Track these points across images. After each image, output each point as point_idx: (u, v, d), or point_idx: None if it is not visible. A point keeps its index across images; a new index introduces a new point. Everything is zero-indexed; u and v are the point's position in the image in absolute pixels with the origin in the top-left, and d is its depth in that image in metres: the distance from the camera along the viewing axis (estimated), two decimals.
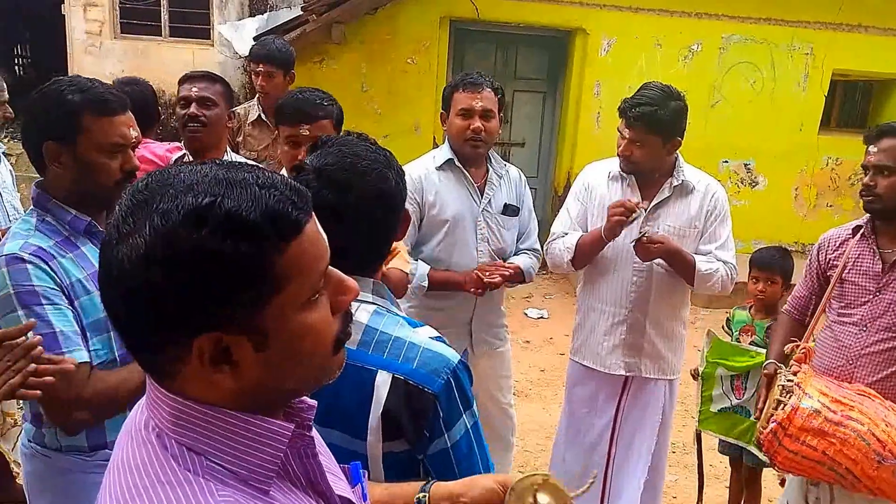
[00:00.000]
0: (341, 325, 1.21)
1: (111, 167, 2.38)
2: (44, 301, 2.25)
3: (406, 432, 1.89)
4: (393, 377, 1.86)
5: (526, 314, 8.20)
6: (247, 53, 9.24)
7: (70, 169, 2.36)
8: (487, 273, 3.79)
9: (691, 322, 4.26)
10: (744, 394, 4.14)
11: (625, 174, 3.84)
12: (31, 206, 2.45)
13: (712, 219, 3.83)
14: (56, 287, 2.29)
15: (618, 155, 3.77)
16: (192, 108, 3.79)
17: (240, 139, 5.15)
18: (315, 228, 1.14)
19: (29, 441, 2.57)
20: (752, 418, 3.92)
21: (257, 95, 5.29)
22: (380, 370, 1.87)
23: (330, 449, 1.62)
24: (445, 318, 3.86)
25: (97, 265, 2.12)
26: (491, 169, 3.97)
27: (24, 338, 1.95)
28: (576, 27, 9.28)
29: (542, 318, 8.18)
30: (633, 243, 3.66)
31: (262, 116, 5.16)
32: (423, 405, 1.86)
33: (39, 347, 1.89)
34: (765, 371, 3.53)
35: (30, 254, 2.28)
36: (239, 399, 1.12)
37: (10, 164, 4.19)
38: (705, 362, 4.20)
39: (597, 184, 3.92)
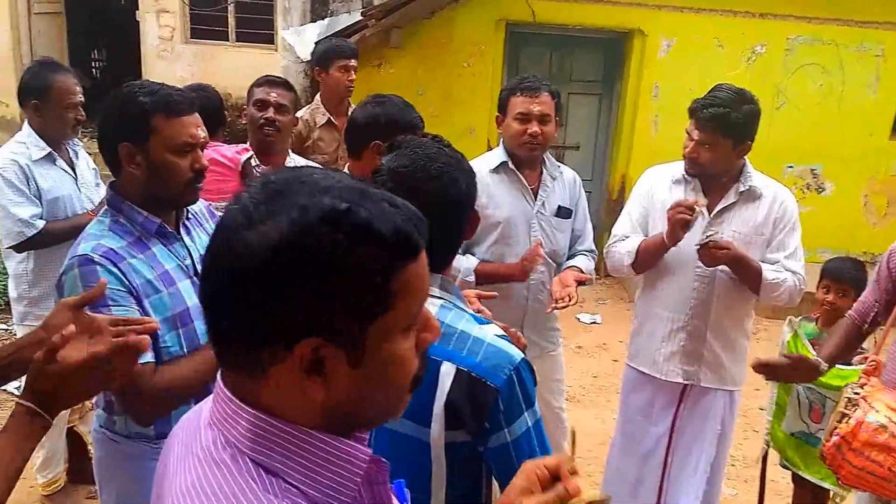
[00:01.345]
0: (420, 364, 1.18)
1: (181, 167, 2.42)
2: (110, 303, 2.27)
3: (467, 423, 1.91)
4: (457, 369, 1.89)
5: (578, 319, 7.94)
6: (308, 57, 9.21)
7: (143, 170, 2.40)
8: (561, 300, 3.64)
9: (753, 333, 4.00)
10: (822, 419, 3.78)
11: (688, 178, 3.66)
12: (106, 206, 2.50)
13: (780, 227, 3.62)
14: (124, 289, 2.32)
15: (684, 156, 3.58)
16: (270, 113, 3.88)
17: (308, 143, 5.19)
18: (425, 259, 1.13)
19: (100, 427, 2.65)
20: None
21: (318, 98, 5.37)
22: (444, 361, 1.90)
23: (398, 438, 1.81)
24: (496, 318, 3.60)
25: (167, 265, 2.39)
26: (545, 171, 3.87)
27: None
28: (633, 28, 8.96)
29: (594, 323, 7.92)
30: (697, 248, 3.44)
31: (332, 120, 5.24)
32: (484, 398, 1.88)
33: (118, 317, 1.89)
34: (809, 359, 3.35)
35: (100, 255, 2.32)
36: (318, 417, 1.09)
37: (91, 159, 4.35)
38: (786, 350, 3.84)
39: (659, 187, 3.74)
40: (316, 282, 1.01)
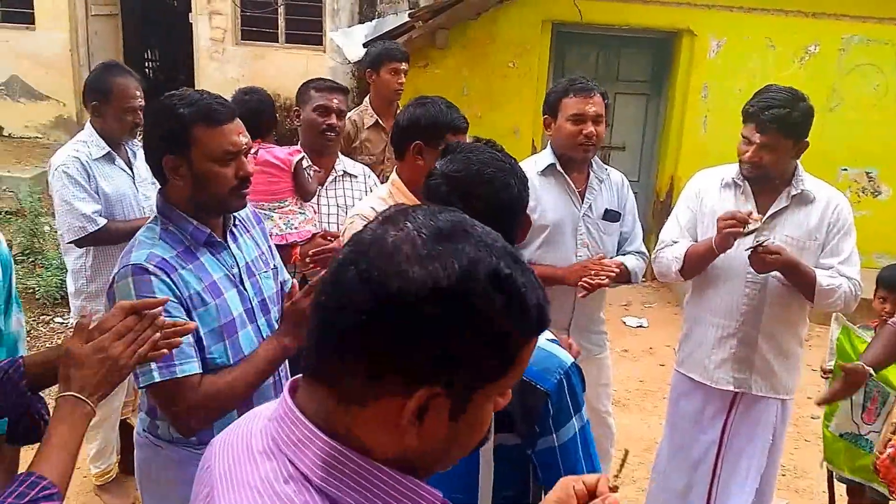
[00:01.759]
0: (487, 431, 1.16)
1: (225, 175, 2.40)
2: (164, 313, 2.19)
3: (517, 426, 1.91)
4: None
5: (624, 322, 7.79)
6: (355, 59, 9.19)
7: (188, 180, 2.39)
8: (593, 272, 3.56)
9: (806, 340, 3.85)
10: (875, 420, 3.63)
11: (738, 182, 3.57)
12: (156, 213, 2.49)
13: (834, 231, 3.51)
14: (176, 300, 2.31)
15: (742, 161, 3.49)
16: (333, 119, 3.94)
17: (356, 144, 5.23)
18: None
19: (143, 431, 2.65)
20: (874, 452, 3.42)
21: (368, 100, 5.40)
22: None
23: None
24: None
25: (215, 275, 2.43)
26: (592, 173, 3.81)
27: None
28: (682, 28, 8.75)
29: (641, 326, 7.76)
30: (749, 253, 3.34)
31: (379, 121, 5.27)
32: (534, 401, 1.89)
33: (161, 318, 1.93)
34: (847, 365, 3.27)
35: (154, 265, 2.31)
36: (400, 458, 1.07)
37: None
38: (835, 354, 3.74)
39: (708, 191, 3.66)
40: (464, 334, 1.00)
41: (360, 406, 1.05)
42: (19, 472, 1.71)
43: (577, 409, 1.95)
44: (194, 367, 2.32)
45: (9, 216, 8.64)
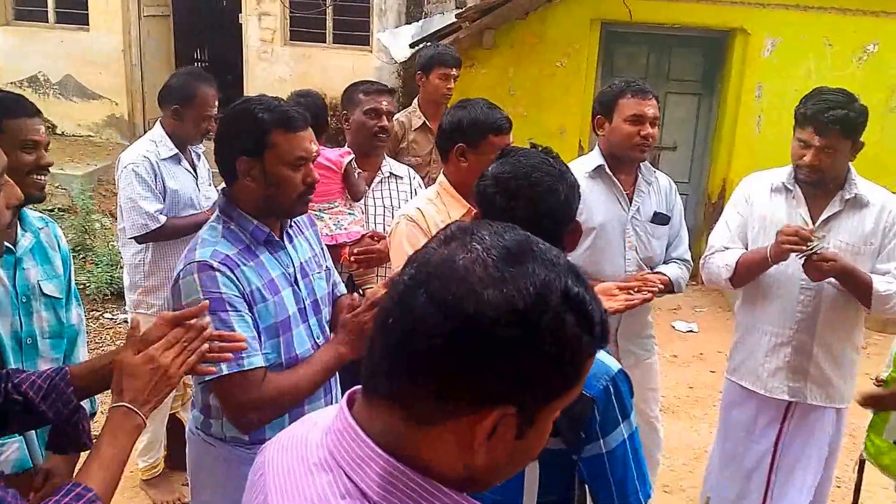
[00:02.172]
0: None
1: (295, 180, 2.48)
2: (229, 308, 2.37)
3: (563, 432, 1.91)
4: None
5: (674, 327, 7.68)
6: (402, 59, 9.20)
7: (259, 182, 2.47)
8: (635, 289, 3.47)
9: (862, 347, 3.78)
10: None
11: (789, 186, 3.52)
12: (217, 213, 2.58)
13: (891, 236, 3.44)
14: (239, 294, 2.40)
15: (800, 165, 3.42)
16: (384, 121, 3.98)
17: (403, 145, 5.28)
18: None
19: (196, 428, 2.71)
20: None
21: (416, 102, 5.45)
22: None
23: None
24: None
25: (273, 273, 2.52)
26: (640, 176, 3.77)
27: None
28: (735, 27, 8.62)
29: (691, 331, 7.65)
30: (803, 260, 3.28)
31: (427, 123, 5.30)
32: (581, 407, 1.88)
33: (210, 329, 1.96)
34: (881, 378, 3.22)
35: (219, 262, 2.39)
36: (457, 475, 1.08)
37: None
38: (891, 365, 3.63)
39: (758, 196, 3.61)
40: (538, 354, 1.01)
41: (430, 426, 1.05)
42: (66, 481, 1.73)
43: (625, 415, 1.95)
44: (260, 360, 2.39)
45: (61, 213, 8.82)
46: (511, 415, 1.03)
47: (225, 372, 2.31)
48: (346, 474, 1.08)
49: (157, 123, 4.39)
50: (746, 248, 3.60)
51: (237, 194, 2.53)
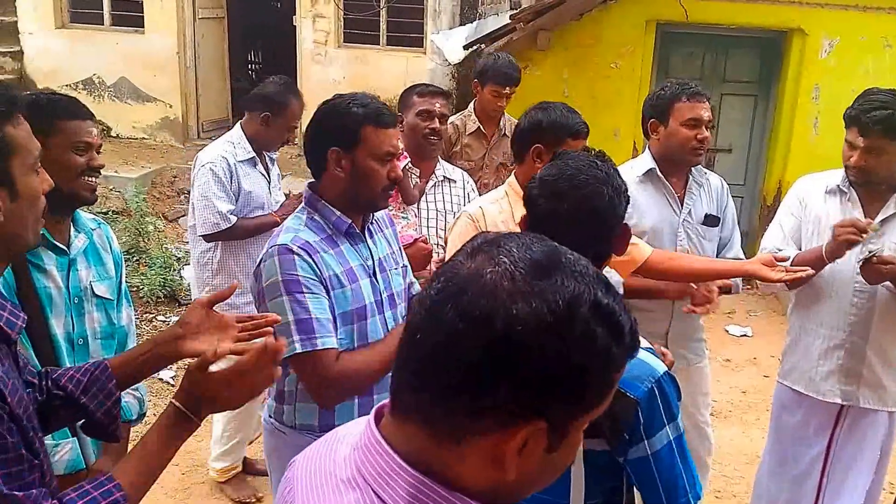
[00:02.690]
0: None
1: (381, 174, 2.62)
2: (304, 290, 2.50)
3: (605, 433, 1.92)
4: None
5: (727, 331, 7.65)
6: (456, 61, 9.23)
7: (347, 174, 2.62)
8: (703, 297, 3.52)
9: None
10: None
11: (843, 189, 3.51)
12: (303, 204, 2.72)
13: None
14: (317, 278, 2.53)
15: (848, 166, 3.43)
16: (436, 123, 4.07)
17: (456, 149, 5.32)
18: None
19: (270, 416, 2.85)
20: None
21: (472, 106, 5.46)
22: None
23: None
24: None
25: (352, 263, 2.65)
26: (691, 178, 3.79)
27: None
28: (793, 27, 8.57)
29: (744, 335, 7.60)
30: (860, 263, 3.30)
31: (481, 129, 5.34)
32: (624, 409, 1.89)
33: (270, 334, 1.98)
34: None
35: (298, 246, 2.53)
36: (491, 491, 1.08)
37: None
38: None
39: (812, 198, 3.61)
40: (569, 367, 1.01)
41: (458, 443, 1.05)
42: (102, 473, 1.78)
43: (670, 417, 1.95)
44: (333, 341, 2.51)
45: (115, 215, 8.93)
46: (542, 429, 1.03)
47: (298, 350, 2.45)
48: (373, 491, 1.08)
49: (238, 125, 4.55)
50: (800, 250, 3.60)
51: (323, 186, 2.69)
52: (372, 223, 2.83)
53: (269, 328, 2.10)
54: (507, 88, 5.27)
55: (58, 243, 2.67)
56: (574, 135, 3.29)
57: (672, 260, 3.41)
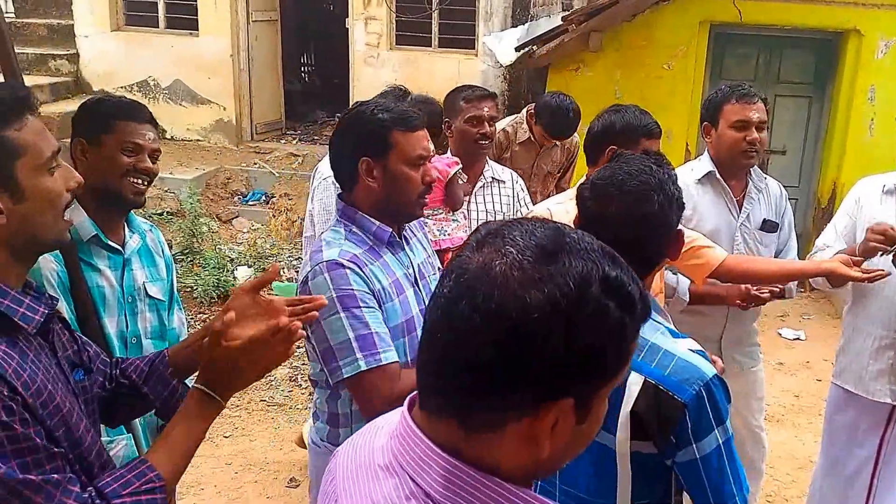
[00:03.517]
0: None
1: (415, 178, 2.56)
2: (361, 304, 2.42)
3: (653, 435, 1.94)
4: (644, 380, 1.93)
5: (780, 334, 7.62)
6: (507, 63, 9.26)
7: (381, 182, 2.55)
8: (756, 287, 3.53)
9: None
10: None
11: None
12: (337, 217, 2.66)
13: None
14: (369, 291, 2.47)
15: None
16: (485, 127, 4.09)
17: (506, 155, 5.38)
18: None
19: (322, 440, 2.74)
20: None
21: (524, 114, 5.52)
22: (633, 371, 1.93)
23: None
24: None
25: (397, 273, 2.59)
26: (750, 182, 3.78)
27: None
28: (849, 28, 8.51)
29: (798, 339, 7.57)
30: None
31: (532, 138, 5.42)
32: (671, 412, 1.90)
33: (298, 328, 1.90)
34: None
35: (347, 260, 2.46)
36: (525, 470, 1.12)
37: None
38: None
39: (868, 198, 3.59)
40: (588, 344, 1.04)
41: (491, 432, 1.08)
42: (136, 458, 1.82)
43: (719, 421, 1.94)
44: (394, 354, 2.44)
45: (170, 216, 9.08)
46: (569, 406, 1.06)
47: (363, 368, 2.38)
48: (409, 477, 1.11)
49: None
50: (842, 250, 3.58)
51: (358, 197, 2.60)
52: (406, 229, 2.77)
53: (315, 312, 2.04)
54: (560, 140, 5.42)
55: (112, 243, 2.75)
56: (648, 134, 3.33)
57: (749, 262, 3.45)
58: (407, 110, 2.60)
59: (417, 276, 2.71)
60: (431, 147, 2.65)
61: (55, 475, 1.61)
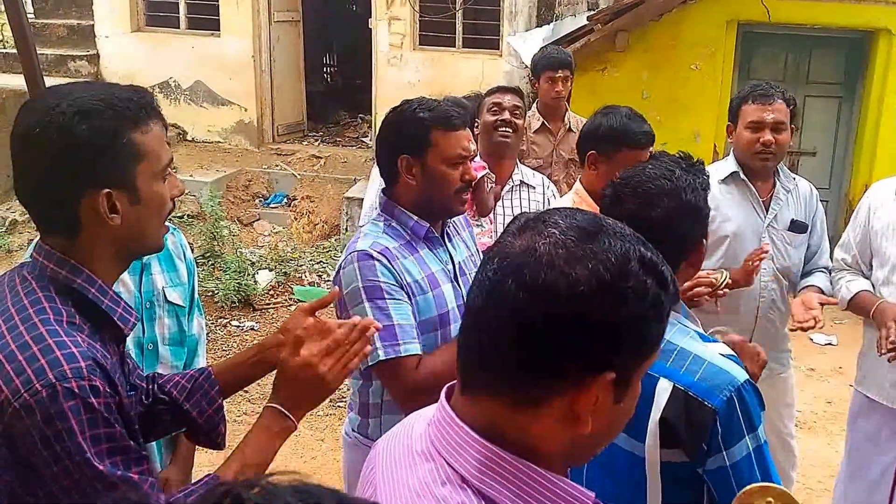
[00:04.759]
0: None
1: (454, 177, 2.63)
2: (386, 296, 2.51)
3: (683, 443, 1.92)
4: (674, 387, 1.91)
5: (811, 339, 7.50)
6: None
7: (420, 179, 2.63)
8: (806, 323, 3.51)
9: None
10: None
11: None
12: (379, 211, 2.74)
13: None
14: (397, 284, 2.54)
15: None
16: (506, 115, 4.11)
17: (523, 148, 5.31)
18: None
19: (353, 431, 2.84)
20: None
21: (535, 105, 5.57)
22: (661, 377, 1.92)
23: (615, 451, 1.80)
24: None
25: (433, 268, 2.66)
26: (778, 183, 3.75)
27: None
28: (879, 27, 8.46)
29: (829, 344, 7.50)
30: None
31: (546, 124, 5.41)
32: (701, 418, 1.89)
33: (372, 328, 1.97)
34: None
35: (378, 252, 2.55)
36: (565, 452, 1.16)
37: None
38: None
39: (880, 204, 3.57)
40: (629, 318, 1.11)
41: (535, 408, 1.13)
42: (206, 474, 1.85)
43: (751, 428, 1.93)
44: (416, 347, 2.51)
45: (191, 219, 9.11)
46: (610, 381, 1.11)
47: (382, 357, 2.46)
48: (446, 462, 1.15)
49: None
50: (871, 257, 3.58)
51: (398, 193, 2.70)
52: (449, 226, 2.85)
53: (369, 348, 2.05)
54: (560, 72, 5.35)
55: None
56: (631, 144, 3.28)
57: None
58: (448, 109, 2.66)
59: (457, 272, 2.78)
60: (473, 146, 2.70)
61: (151, 477, 1.67)
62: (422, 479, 1.16)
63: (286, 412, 1.85)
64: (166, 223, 3.00)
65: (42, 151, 1.65)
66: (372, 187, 4.40)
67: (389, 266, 2.55)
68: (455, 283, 2.74)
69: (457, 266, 2.78)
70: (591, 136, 3.40)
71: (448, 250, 2.78)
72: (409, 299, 2.57)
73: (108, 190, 1.68)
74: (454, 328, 2.64)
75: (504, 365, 1.13)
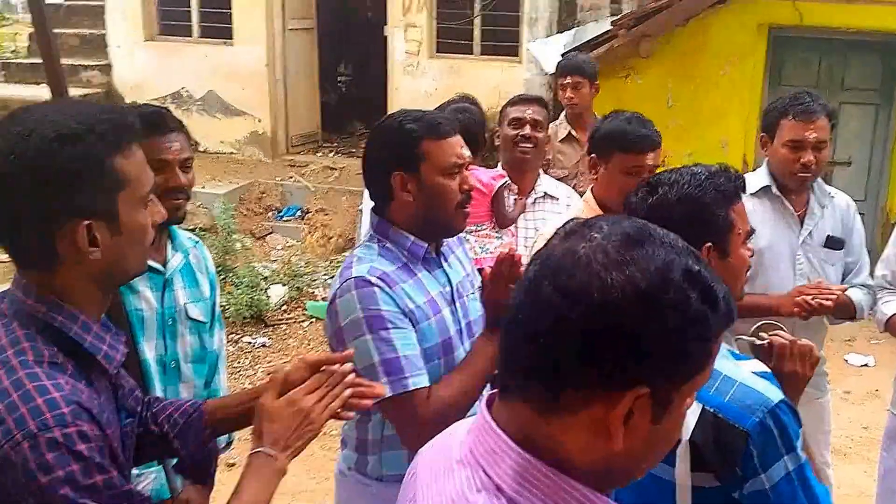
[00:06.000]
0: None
1: (453, 189, 2.52)
2: (389, 326, 2.40)
3: (713, 466, 1.89)
4: (702, 408, 1.88)
5: (846, 360, 7.40)
6: (552, 70, 9.18)
7: (416, 196, 2.51)
8: (811, 295, 3.35)
9: None
10: None
11: None
12: (371, 233, 2.63)
13: None
14: (399, 310, 2.44)
15: None
16: (527, 130, 4.06)
17: (549, 157, 5.31)
18: None
19: (349, 469, 2.72)
20: None
21: (563, 113, 5.57)
22: None
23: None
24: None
25: (432, 292, 2.55)
26: (813, 197, 3.66)
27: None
28: None
29: (865, 365, 7.36)
30: None
31: (573, 133, 5.40)
32: (732, 441, 1.86)
33: (352, 376, 1.92)
34: None
35: (377, 277, 2.44)
36: (600, 467, 1.14)
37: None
38: None
39: None
40: (666, 332, 1.08)
41: (565, 417, 1.13)
42: None
43: (789, 448, 1.89)
44: (424, 380, 2.42)
45: (202, 232, 9.02)
46: (645, 396, 1.09)
47: (389, 394, 2.33)
48: (482, 469, 1.16)
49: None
50: None
51: (393, 212, 2.58)
52: (444, 245, 2.73)
53: (369, 401, 2.03)
54: (569, 78, 5.40)
55: (153, 263, 2.69)
56: (624, 148, 3.20)
57: None
58: (436, 116, 2.59)
59: (455, 294, 2.67)
60: (467, 153, 2.59)
61: None
62: (458, 486, 1.18)
63: (274, 454, 1.80)
64: (189, 237, 3.00)
65: (17, 179, 1.58)
66: (367, 209, 4.32)
67: (390, 292, 2.44)
68: (453, 307, 2.65)
69: (454, 288, 2.68)
70: (591, 140, 3.40)
71: (445, 271, 2.68)
72: (414, 326, 2.47)
73: (88, 221, 1.61)
74: (458, 355, 2.57)
75: (534, 367, 1.14)
